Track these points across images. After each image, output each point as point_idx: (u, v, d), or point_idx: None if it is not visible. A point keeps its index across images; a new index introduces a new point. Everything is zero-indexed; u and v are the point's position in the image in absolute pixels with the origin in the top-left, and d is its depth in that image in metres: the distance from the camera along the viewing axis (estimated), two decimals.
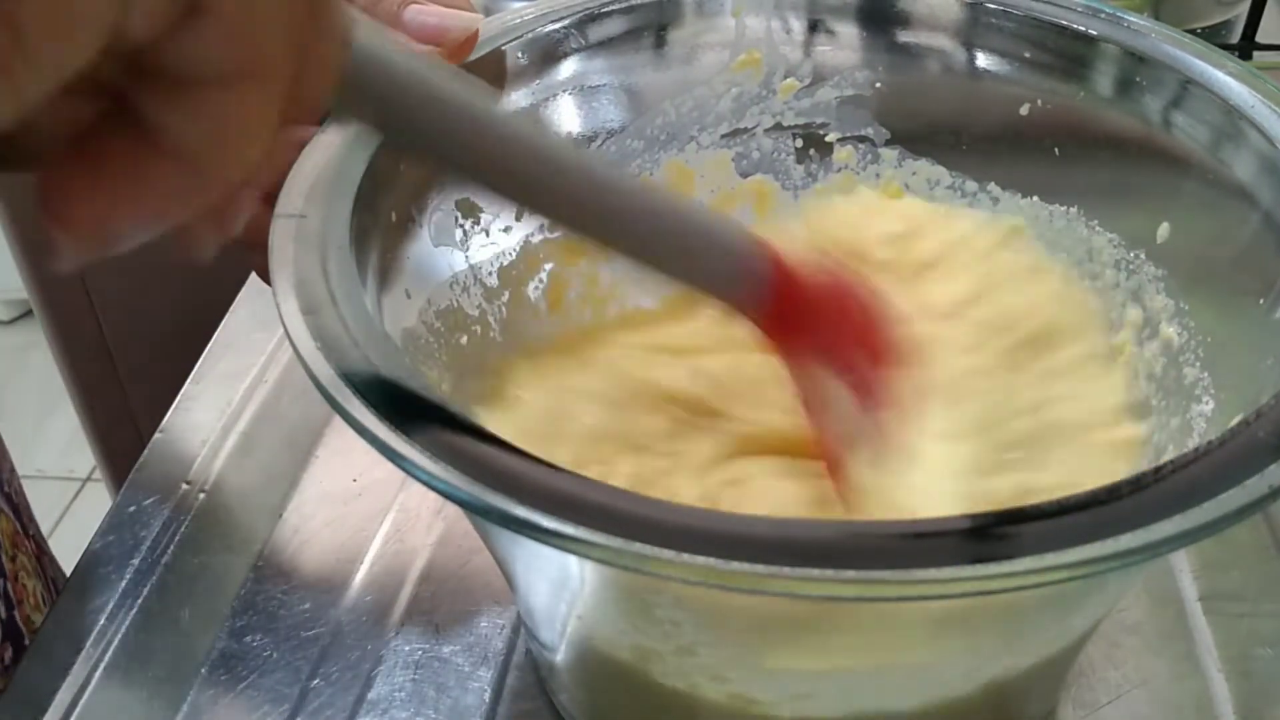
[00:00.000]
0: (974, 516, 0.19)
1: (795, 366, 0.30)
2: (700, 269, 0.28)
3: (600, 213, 0.26)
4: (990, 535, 0.18)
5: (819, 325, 0.30)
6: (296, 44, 0.19)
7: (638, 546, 0.18)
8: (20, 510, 0.46)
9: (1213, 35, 0.58)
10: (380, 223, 0.28)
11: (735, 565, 0.18)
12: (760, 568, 0.18)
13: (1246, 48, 0.56)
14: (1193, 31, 0.56)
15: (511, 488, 0.20)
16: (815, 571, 0.18)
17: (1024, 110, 0.35)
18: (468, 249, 0.33)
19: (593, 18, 0.35)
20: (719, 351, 0.34)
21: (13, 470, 0.47)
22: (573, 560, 0.24)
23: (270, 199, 0.27)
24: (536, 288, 0.35)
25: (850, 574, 0.18)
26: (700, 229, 0.28)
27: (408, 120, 0.24)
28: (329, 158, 0.27)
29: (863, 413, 0.30)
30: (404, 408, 0.22)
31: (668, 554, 0.18)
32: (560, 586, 0.27)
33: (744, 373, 0.33)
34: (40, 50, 0.16)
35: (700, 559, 0.18)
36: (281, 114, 0.19)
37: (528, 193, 0.26)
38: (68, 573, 0.37)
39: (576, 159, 0.27)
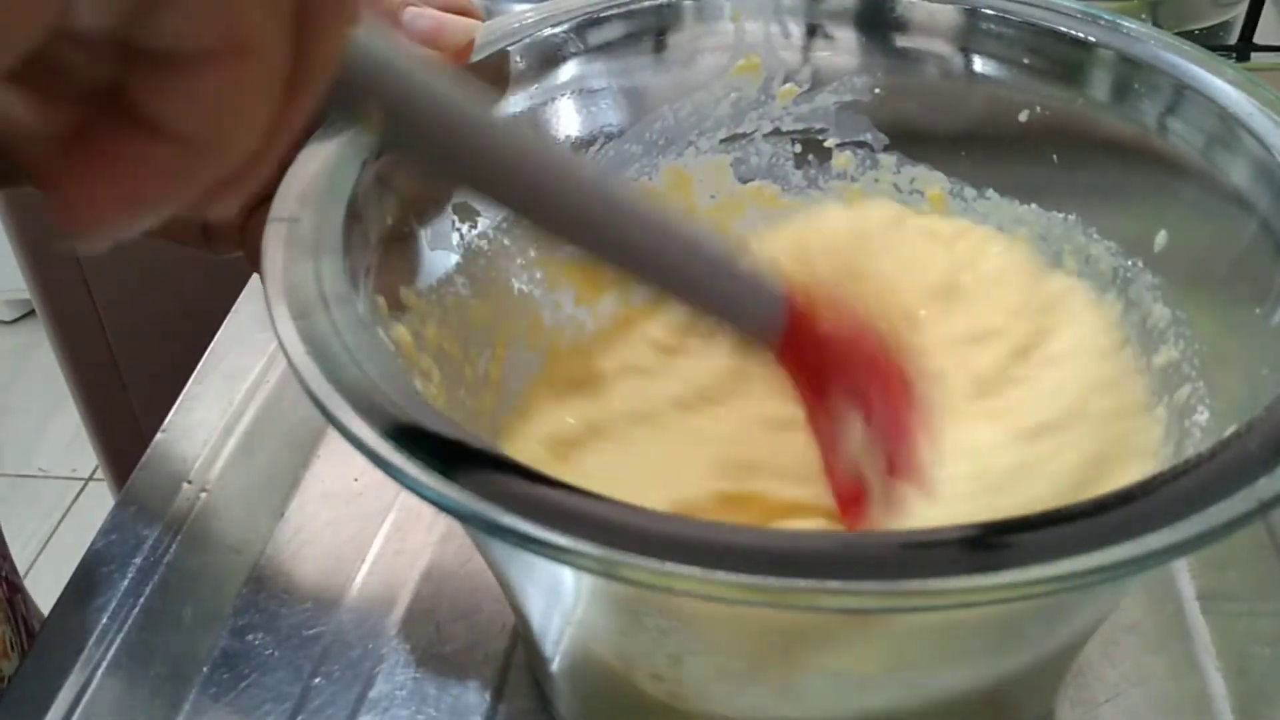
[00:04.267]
0: (967, 528, 0.19)
1: (810, 401, 0.31)
2: (716, 293, 0.28)
3: (606, 227, 0.26)
4: (984, 546, 0.19)
5: (834, 360, 0.30)
6: (288, 19, 0.19)
7: (626, 556, 0.19)
8: None
9: (1211, 36, 0.57)
10: (374, 227, 0.29)
11: (720, 575, 0.18)
12: (746, 578, 0.18)
13: (1244, 49, 0.56)
14: (1190, 33, 0.57)
15: (500, 496, 0.20)
16: (801, 583, 0.18)
17: (1022, 116, 0.35)
18: (465, 253, 0.33)
19: (592, 22, 0.35)
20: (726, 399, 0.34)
21: None
22: (564, 569, 0.24)
23: (266, 204, 0.27)
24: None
25: (835, 584, 0.18)
26: (715, 253, 0.28)
27: (408, 121, 0.24)
28: (323, 163, 0.28)
29: (879, 448, 0.30)
30: (394, 414, 0.22)
31: (654, 564, 0.18)
32: (553, 595, 0.27)
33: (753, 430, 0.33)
34: None
35: (687, 569, 0.18)
36: (282, 93, 0.19)
37: (532, 204, 0.26)
38: (65, 579, 0.37)
39: (589, 174, 0.27)
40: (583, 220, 0.26)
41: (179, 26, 0.18)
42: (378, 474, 0.21)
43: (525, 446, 0.32)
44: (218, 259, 0.34)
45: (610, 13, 0.35)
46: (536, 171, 0.25)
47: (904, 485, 0.30)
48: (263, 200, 0.27)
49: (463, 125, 0.24)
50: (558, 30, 0.35)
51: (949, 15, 0.35)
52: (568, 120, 0.36)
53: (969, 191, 0.37)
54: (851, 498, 0.30)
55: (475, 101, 0.24)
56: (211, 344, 0.45)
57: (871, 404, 0.30)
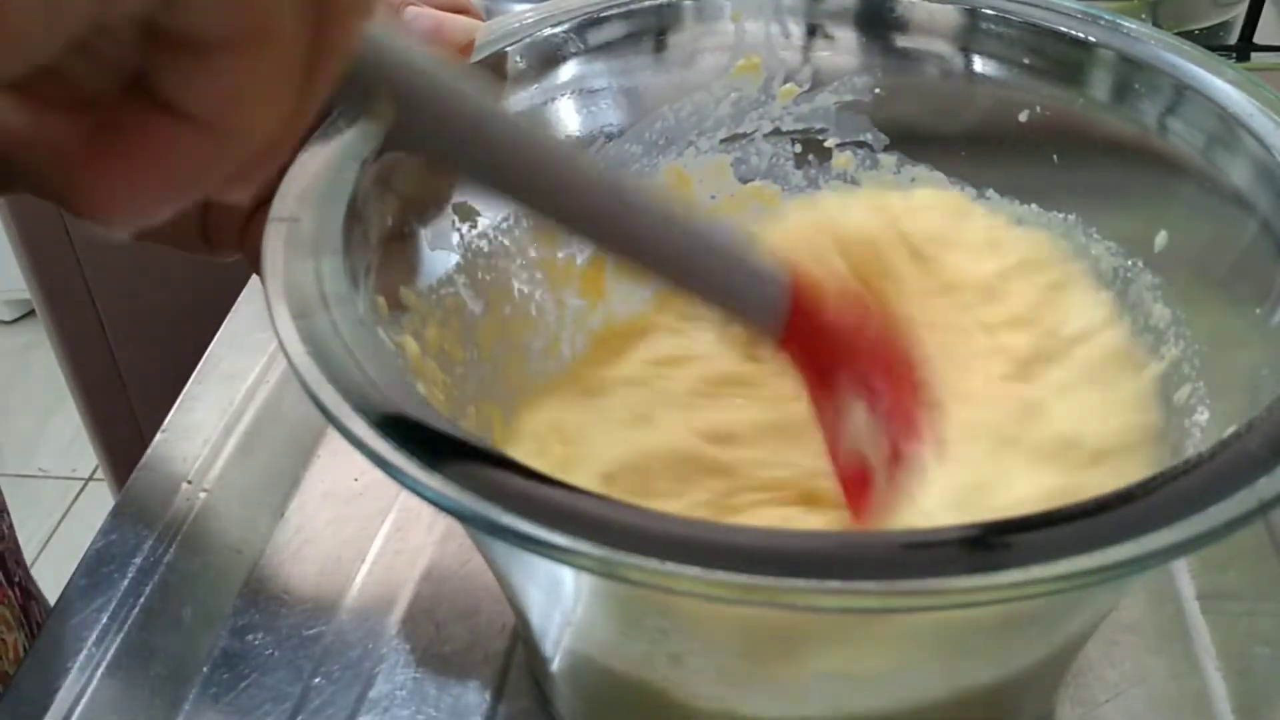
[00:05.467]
0: (966, 528, 0.19)
1: (815, 390, 0.31)
2: (721, 284, 0.28)
3: (613, 218, 0.26)
4: (984, 546, 0.19)
5: (839, 348, 0.30)
6: (307, 7, 0.19)
7: (626, 556, 0.19)
8: (6, 557, 0.46)
9: (1211, 36, 0.57)
10: (374, 227, 0.29)
11: (720, 575, 0.18)
12: (746, 578, 0.18)
13: (1245, 49, 0.56)
14: (1190, 33, 0.57)
15: (500, 496, 0.20)
16: (801, 583, 0.18)
17: (1022, 116, 0.35)
18: (465, 252, 0.33)
19: (592, 22, 0.35)
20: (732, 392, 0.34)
21: (3, 509, 0.46)
22: (564, 569, 0.24)
23: (266, 207, 0.27)
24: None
25: (835, 584, 0.18)
26: (721, 244, 0.28)
27: (418, 111, 0.24)
28: (324, 163, 0.28)
29: (883, 436, 0.30)
30: (393, 414, 0.22)
31: (654, 564, 0.18)
32: (552, 595, 0.27)
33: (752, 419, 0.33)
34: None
35: (687, 569, 0.18)
36: (300, 80, 0.20)
37: (540, 195, 0.25)
38: (65, 579, 0.37)
39: (596, 166, 0.27)
40: (590, 210, 0.26)
41: (204, 13, 0.18)
42: (378, 474, 0.21)
43: (526, 447, 0.32)
44: (218, 262, 0.34)
45: (610, 13, 0.35)
46: (544, 162, 0.25)
47: (906, 472, 0.30)
48: (262, 203, 0.27)
49: (472, 116, 0.24)
50: (558, 30, 0.35)
51: (949, 15, 0.35)
52: (568, 120, 0.36)
53: (969, 191, 0.37)
54: (856, 484, 0.30)
55: (485, 94, 0.24)
56: (211, 344, 0.45)
57: (876, 393, 0.30)
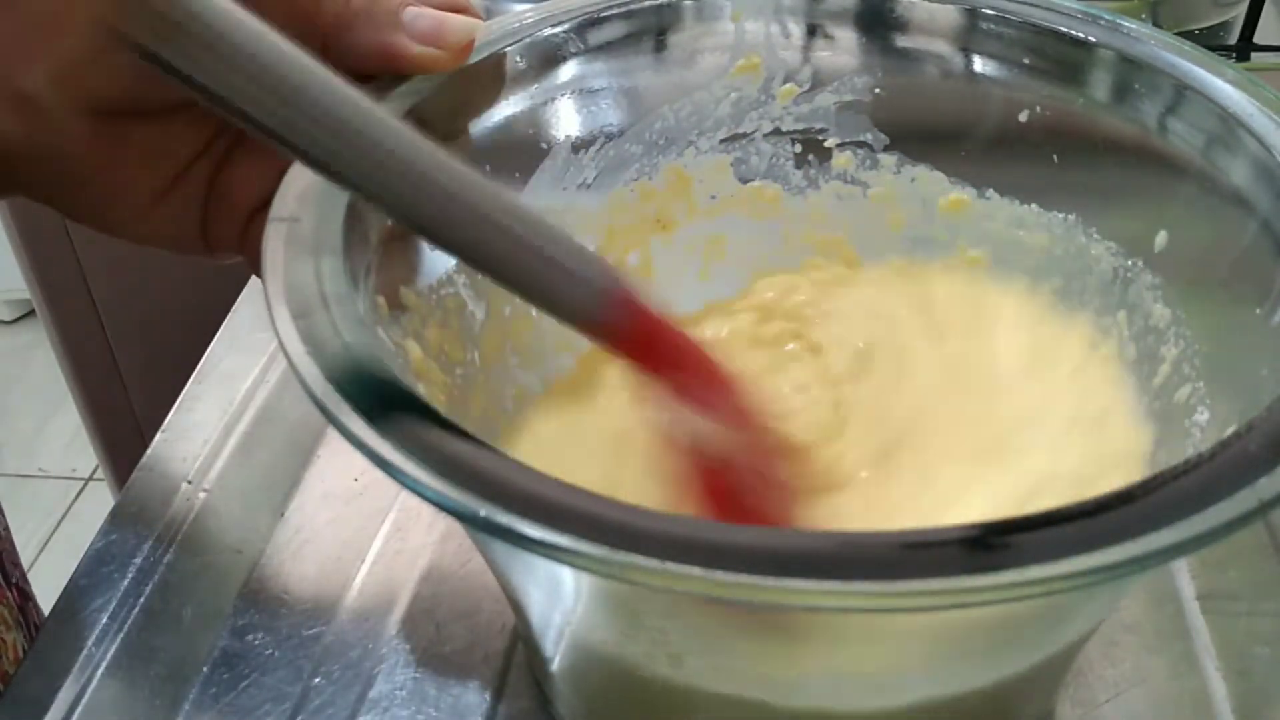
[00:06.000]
0: (966, 528, 0.19)
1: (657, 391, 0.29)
2: (525, 271, 0.27)
3: (421, 193, 0.25)
4: (983, 546, 0.19)
5: (671, 359, 0.29)
6: None
7: (626, 556, 0.19)
8: (3, 558, 0.46)
9: (1211, 36, 0.57)
10: (374, 227, 0.29)
11: (720, 575, 0.18)
12: (746, 578, 0.18)
13: (1245, 49, 0.56)
14: (1190, 33, 0.57)
15: (500, 496, 0.20)
16: (801, 583, 0.18)
17: (1022, 116, 0.35)
18: None
19: (592, 22, 0.35)
20: None
21: None
22: (564, 569, 0.24)
23: (266, 209, 0.27)
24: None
25: (835, 585, 0.18)
26: (529, 231, 0.26)
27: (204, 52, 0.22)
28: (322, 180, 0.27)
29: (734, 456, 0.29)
30: (393, 414, 0.22)
31: (654, 564, 0.18)
32: (552, 594, 0.27)
33: None
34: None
35: (687, 569, 0.18)
36: None
37: (327, 143, 0.24)
38: (65, 579, 0.37)
39: (403, 134, 0.24)
40: (407, 188, 0.25)
41: None
42: (378, 474, 0.21)
43: (526, 447, 0.32)
44: (218, 264, 0.34)
45: (610, 13, 0.35)
46: (340, 112, 0.24)
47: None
48: (262, 205, 0.27)
49: (268, 58, 0.23)
50: (558, 30, 0.35)
51: (949, 15, 0.35)
52: (567, 120, 0.36)
53: (969, 191, 0.37)
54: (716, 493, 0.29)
55: (299, 53, 0.23)
56: (211, 344, 0.45)
57: (715, 412, 0.29)
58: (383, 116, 0.25)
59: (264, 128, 0.23)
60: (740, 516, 0.28)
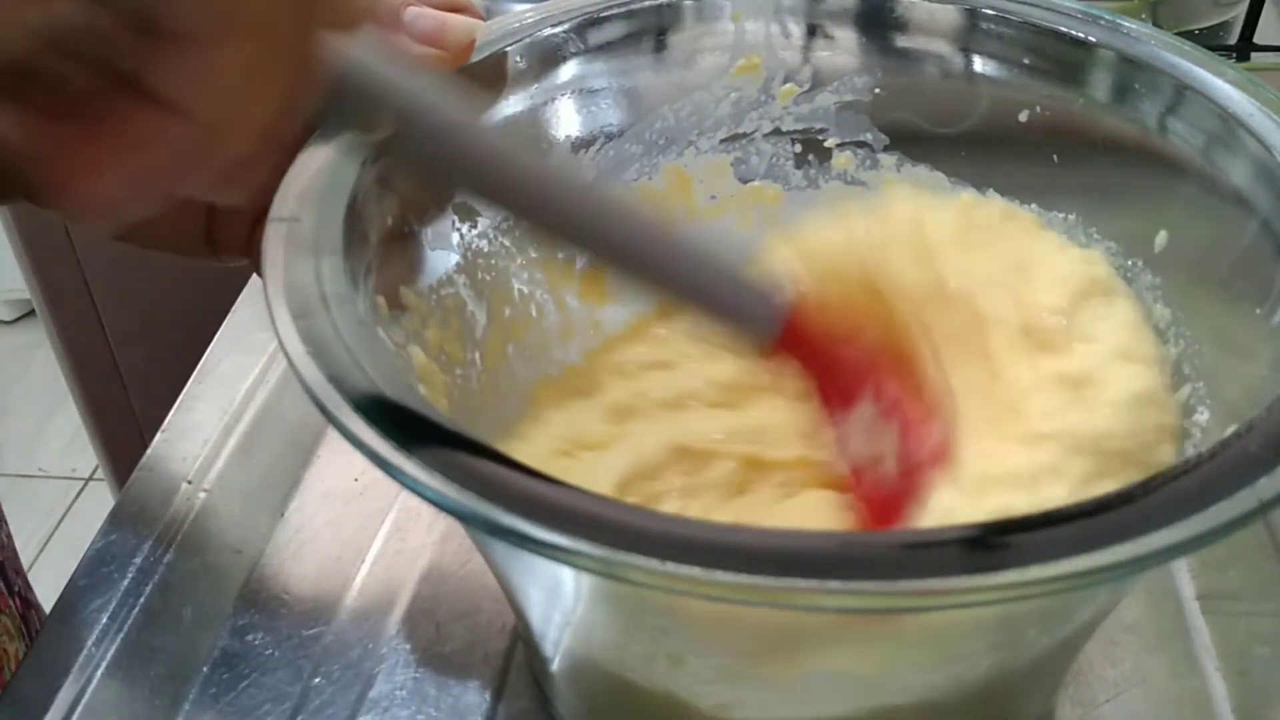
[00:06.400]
0: (966, 527, 0.19)
1: (821, 399, 0.31)
2: (707, 296, 0.29)
3: (599, 227, 0.27)
4: (983, 546, 0.19)
5: (837, 362, 0.30)
6: (293, 4, 0.20)
7: (626, 556, 0.19)
8: (5, 566, 0.46)
9: (1211, 36, 0.57)
10: (374, 227, 0.29)
11: (720, 575, 0.18)
12: (746, 578, 0.18)
13: (1245, 49, 0.56)
14: (1190, 33, 0.57)
15: (499, 496, 0.20)
16: (801, 583, 0.18)
17: (1022, 116, 0.35)
18: (465, 252, 0.33)
19: (592, 22, 0.35)
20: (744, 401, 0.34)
21: (1, 519, 0.46)
22: (564, 569, 0.24)
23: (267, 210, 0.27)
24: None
25: (835, 585, 0.18)
26: (711, 256, 0.29)
27: (407, 123, 0.24)
28: (324, 163, 0.28)
29: (897, 446, 0.30)
30: (393, 414, 0.22)
31: (654, 564, 0.18)
32: (552, 595, 0.27)
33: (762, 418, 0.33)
34: None
35: (687, 569, 0.18)
36: (284, 77, 0.20)
37: (522, 202, 0.26)
38: (65, 579, 0.37)
39: (581, 176, 0.28)
40: (574, 219, 0.27)
41: (190, 4, 0.19)
42: (378, 474, 0.21)
43: (527, 447, 0.32)
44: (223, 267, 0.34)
45: (610, 13, 0.35)
46: (527, 171, 0.26)
47: (924, 480, 0.29)
48: (268, 209, 0.27)
49: (458, 128, 0.25)
50: (558, 30, 0.35)
51: (949, 15, 0.35)
52: (568, 120, 0.36)
53: (969, 192, 0.37)
54: (871, 491, 0.30)
55: (469, 107, 0.25)
56: (211, 344, 0.45)
57: (884, 405, 0.30)
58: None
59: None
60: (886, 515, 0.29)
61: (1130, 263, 0.34)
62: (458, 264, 0.33)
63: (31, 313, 1.53)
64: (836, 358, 0.30)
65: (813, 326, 0.30)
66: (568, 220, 0.27)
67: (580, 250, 0.28)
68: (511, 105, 0.35)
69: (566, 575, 0.25)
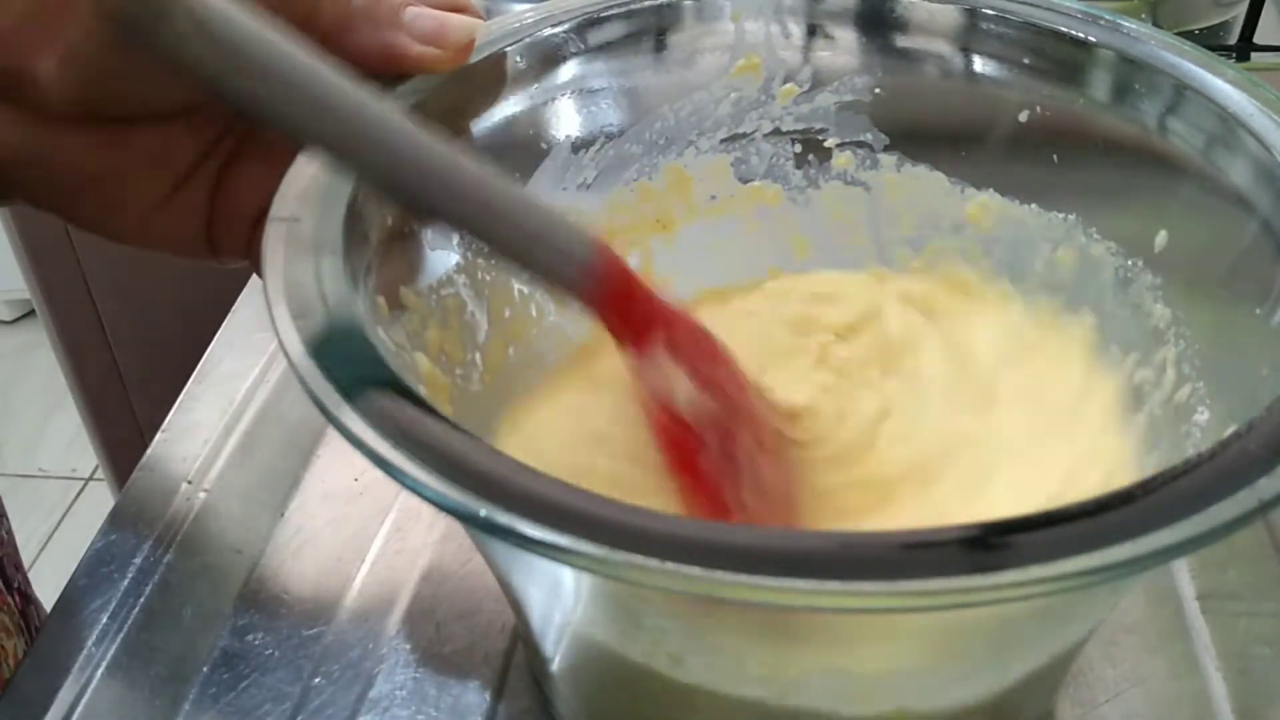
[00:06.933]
0: (966, 527, 0.19)
1: (635, 360, 0.30)
2: (524, 236, 0.28)
3: (422, 174, 0.26)
4: (983, 546, 0.19)
5: (651, 323, 0.30)
6: None
7: (626, 556, 0.19)
8: (5, 562, 0.46)
9: (1211, 36, 0.57)
10: (374, 227, 0.29)
11: (720, 575, 0.18)
12: (746, 578, 0.18)
13: (1245, 49, 0.56)
14: (1190, 33, 0.57)
15: (500, 496, 0.20)
16: (801, 583, 0.18)
17: (1022, 116, 0.35)
18: (465, 252, 0.33)
19: (592, 22, 0.35)
20: None
21: (2, 514, 0.46)
22: (564, 569, 0.24)
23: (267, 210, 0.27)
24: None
25: (835, 585, 0.18)
26: (524, 202, 0.28)
27: (212, 35, 0.23)
28: (324, 164, 0.28)
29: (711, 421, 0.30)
30: (394, 414, 0.22)
31: (654, 564, 0.18)
32: (552, 594, 0.27)
33: None
34: None
35: (687, 569, 0.18)
36: None
37: (346, 146, 0.25)
38: (65, 579, 0.37)
39: (406, 123, 0.26)
40: (386, 161, 0.26)
41: None
42: (378, 474, 0.21)
43: (529, 447, 0.32)
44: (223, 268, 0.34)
45: (610, 13, 0.35)
46: (342, 100, 0.25)
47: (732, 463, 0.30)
48: (267, 211, 0.27)
49: (266, 47, 0.24)
50: (558, 30, 0.35)
51: (949, 15, 0.35)
52: (568, 120, 0.36)
53: (969, 191, 0.37)
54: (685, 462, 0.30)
55: (285, 36, 0.24)
56: (212, 344, 0.45)
57: (699, 377, 0.30)
58: (364, 91, 0.25)
59: (250, 106, 0.24)
60: (727, 491, 0.29)
61: (1130, 263, 0.34)
62: (458, 264, 0.33)
63: (31, 313, 1.53)
64: (648, 310, 0.30)
65: (626, 278, 0.29)
66: (380, 162, 0.26)
67: (391, 196, 0.27)
68: (511, 105, 0.35)
69: (566, 575, 0.25)
